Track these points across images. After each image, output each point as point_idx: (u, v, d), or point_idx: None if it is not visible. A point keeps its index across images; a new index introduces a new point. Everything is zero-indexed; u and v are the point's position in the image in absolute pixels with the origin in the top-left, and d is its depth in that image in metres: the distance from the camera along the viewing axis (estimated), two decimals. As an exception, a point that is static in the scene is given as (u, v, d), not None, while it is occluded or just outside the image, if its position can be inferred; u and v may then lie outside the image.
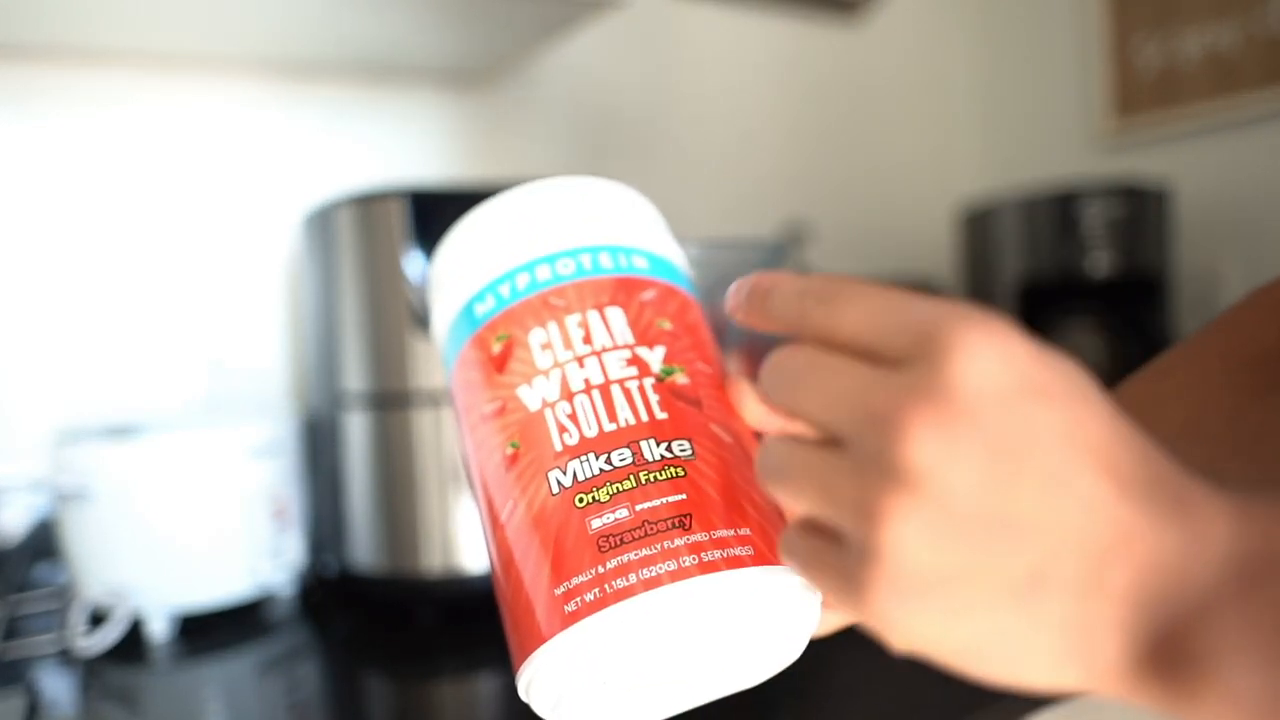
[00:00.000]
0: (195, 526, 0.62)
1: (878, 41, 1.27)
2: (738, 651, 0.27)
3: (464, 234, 0.34)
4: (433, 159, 0.91)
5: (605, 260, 0.31)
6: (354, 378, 0.66)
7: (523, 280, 0.31)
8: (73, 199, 0.75)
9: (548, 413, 0.28)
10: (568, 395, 0.28)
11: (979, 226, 1.06)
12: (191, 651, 0.60)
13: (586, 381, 0.28)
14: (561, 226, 0.32)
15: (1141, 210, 0.97)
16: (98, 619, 0.62)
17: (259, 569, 0.65)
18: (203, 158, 0.80)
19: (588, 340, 0.29)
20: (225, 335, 0.81)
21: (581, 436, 0.27)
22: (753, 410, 0.30)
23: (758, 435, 0.30)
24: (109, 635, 0.59)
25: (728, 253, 0.56)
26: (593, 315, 0.30)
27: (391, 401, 0.64)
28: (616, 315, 0.30)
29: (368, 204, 0.64)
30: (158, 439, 0.62)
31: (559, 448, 0.27)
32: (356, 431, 0.66)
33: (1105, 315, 0.99)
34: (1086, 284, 0.99)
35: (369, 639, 0.62)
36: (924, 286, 1.07)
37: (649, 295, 0.31)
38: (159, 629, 0.62)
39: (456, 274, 0.33)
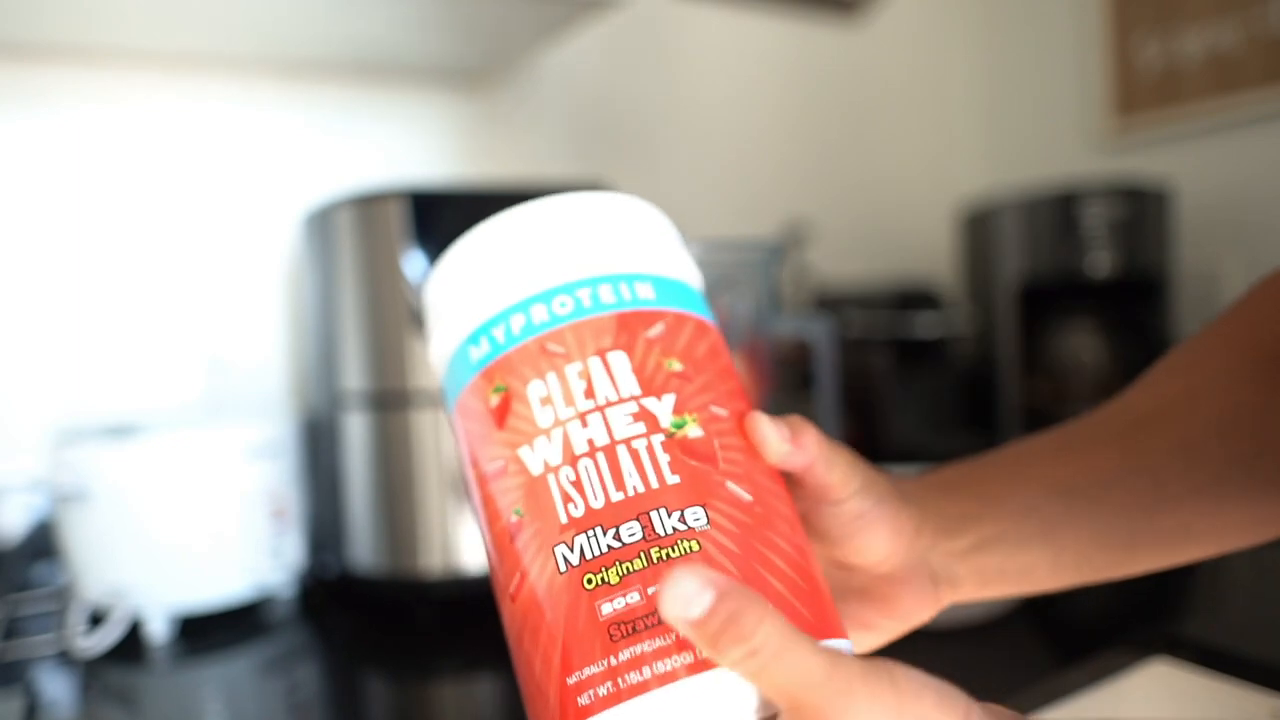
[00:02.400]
0: (195, 527, 0.62)
1: (878, 41, 1.27)
2: None
3: (455, 263, 0.31)
4: (433, 159, 0.91)
5: (606, 294, 0.29)
6: (354, 377, 0.66)
7: (518, 323, 0.29)
8: (72, 198, 0.75)
9: (551, 479, 0.26)
10: (571, 459, 0.26)
11: (979, 227, 1.06)
12: (191, 652, 0.60)
13: (590, 443, 0.26)
14: (559, 255, 0.30)
15: (1142, 210, 0.97)
16: (97, 619, 0.62)
17: (259, 569, 0.65)
18: (203, 157, 0.80)
19: (590, 394, 0.27)
20: (225, 335, 0.81)
21: (588, 507, 0.26)
22: (775, 448, 0.28)
23: (785, 474, 0.29)
24: (108, 636, 0.59)
25: (728, 253, 0.55)
26: (594, 363, 0.28)
27: (391, 401, 0.64)
28: (620, 362, 0.28)
29: (368, 204, 0.64)
30: (157, 439, 0.62)
31: (564, 520, 0.26)
32: (356, 431, 0.66)
33: (1106, 315, 0.99)
34: (1087, 284, 0.99)
35: (369, 640, 0.61)
36: (925, 288, 1.07)
37: (656, 331, 0.29)
38: (158, 629, 0.62)
39: (450, 308, 0.31)
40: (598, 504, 0.26)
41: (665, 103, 1.08)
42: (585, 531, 0.25)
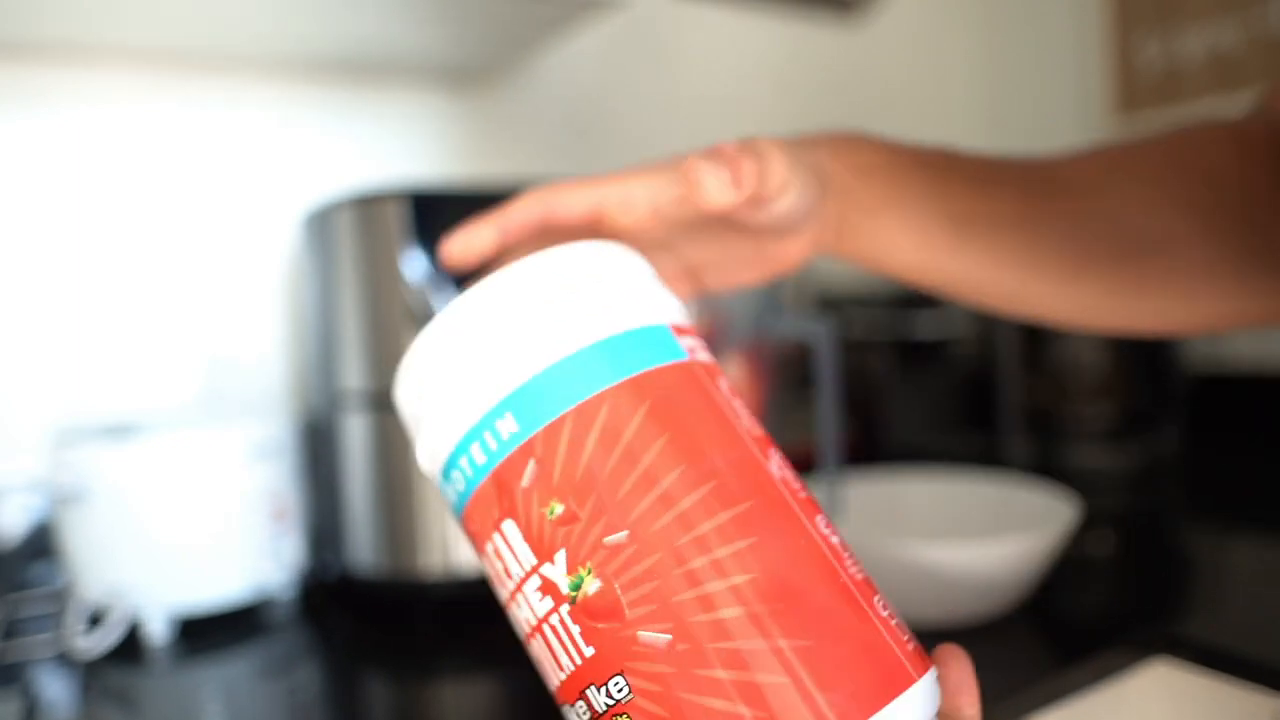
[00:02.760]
0: (194, 527, 0.62)
1: (878, 41, 1.27)
2: None
3: (404, 393, 0.30)
4: (433, 159, 0.91)
5: (478, 455, 0.27)
6: (354, 378, 0.65)
7: (456, 483, 0.28)
8: (71, 198, 0.75)
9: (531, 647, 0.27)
10: (526, 640, 0.26)
11: (980, 227, 1.06)
12: (190, 653, 0.60)
13: (527, 623, 0.26)
14: (438, 426, 0.28)
15: (1143, 210, 0.97)
16: (96, 620, 0.62)
17: (259, 570, 0.65)
18: (202, 157, 0.80)
19: (508, 574, 0.26)
20: (225, 335, 0.81)
21: (554, 686, 0.25)
22: (717, 201, 0.31)
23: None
24: (107, 637, 0.58)
25: (728, 253, 0.55)
26: (497, 540, 0.26)
27: (391, 401, 0.64)
28: (512, 531, 0.26)
29: (368, 204, 0.64)
30: (156, 439, 0.62)
31: (552, 691, 0.26)
32: (356, 432, 0.66)
33: (1106, 315, 0.99)
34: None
35: (369, 641, 0.61)
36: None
37: (529, 476, 0.25)
38: (158, 630, 0.62)
39: (415, 434, 0.30)
40: (555, 684, 0.25)
41: (665, 102, 1.08)
42: (563, 705, 0.26)
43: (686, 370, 0.27)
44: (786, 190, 0.34)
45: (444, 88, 0.92)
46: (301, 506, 0.71)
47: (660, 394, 0.26)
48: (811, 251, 0.39)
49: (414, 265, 0.63)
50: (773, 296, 0.61)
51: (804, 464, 0.86)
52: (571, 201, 0.36)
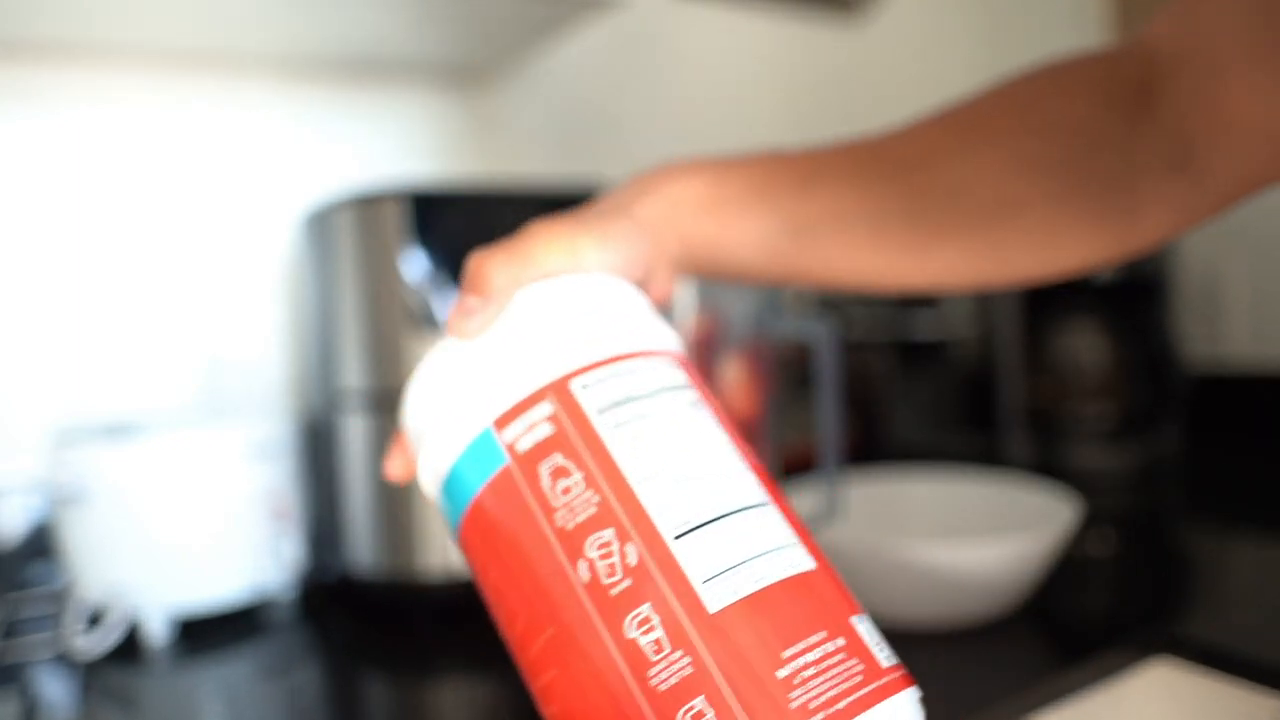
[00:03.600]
0: (194, 527, 0.62)
1: (877, 41, 1.27)
2: None
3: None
4: (433, 159, 0.91)
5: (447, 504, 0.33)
6: (353, 378, 0.65)
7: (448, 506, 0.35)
8: (70, 198, 0.75)
9: None
10: None
11: (980, 227, 1.06)
12: (190, 653, 0.60)
13: None
14: (436, 453, 0.33)
15: (1143, 210, 0.97)
16: (96, 620, 0.62)
17: (258, 570, 0.65)
18: (202, 157, 0.80)
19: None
20: (224, 335, 0.81)
21: None
22: None
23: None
24: (107, 637, 0.58)
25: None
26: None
27: (391, 402, 0.64)
28: None
29: (367, 204, 0.64)
30: (156, 439, 0.62)
31: None
32: (356, 432, 0.66)
33: (1106, 316, 0.99)
34: (1087, 286, 0.99)
35: (368, 641, 0.61)
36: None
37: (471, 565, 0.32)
38: (157, 631, 0.61)
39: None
40: None
41: (664, 102, 1.08)
42: None
43: (505, 478, 0.30)
44: (507, 284, 0.35)
45: (444, 88, 0.92)
46: (301, 506, 0.71)
47: (487, 519, 0.31)
48: (675, 281, 0.42)
49: (414, 265, 0.63)
50: (773, 296, 0.61)
51: (804, 464, 0.86)
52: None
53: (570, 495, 0.29)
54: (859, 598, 0.54)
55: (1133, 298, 1.01)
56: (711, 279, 0.43)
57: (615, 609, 0.27)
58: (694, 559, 0.27)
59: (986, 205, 0.39)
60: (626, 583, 0.27)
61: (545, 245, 0.35)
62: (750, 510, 0.28)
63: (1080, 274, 0.43)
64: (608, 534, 0.28)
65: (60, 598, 0.67)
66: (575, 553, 0.28)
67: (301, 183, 0.84)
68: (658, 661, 0.26)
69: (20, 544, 0.69)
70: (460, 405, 0.32)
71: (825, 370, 0.54)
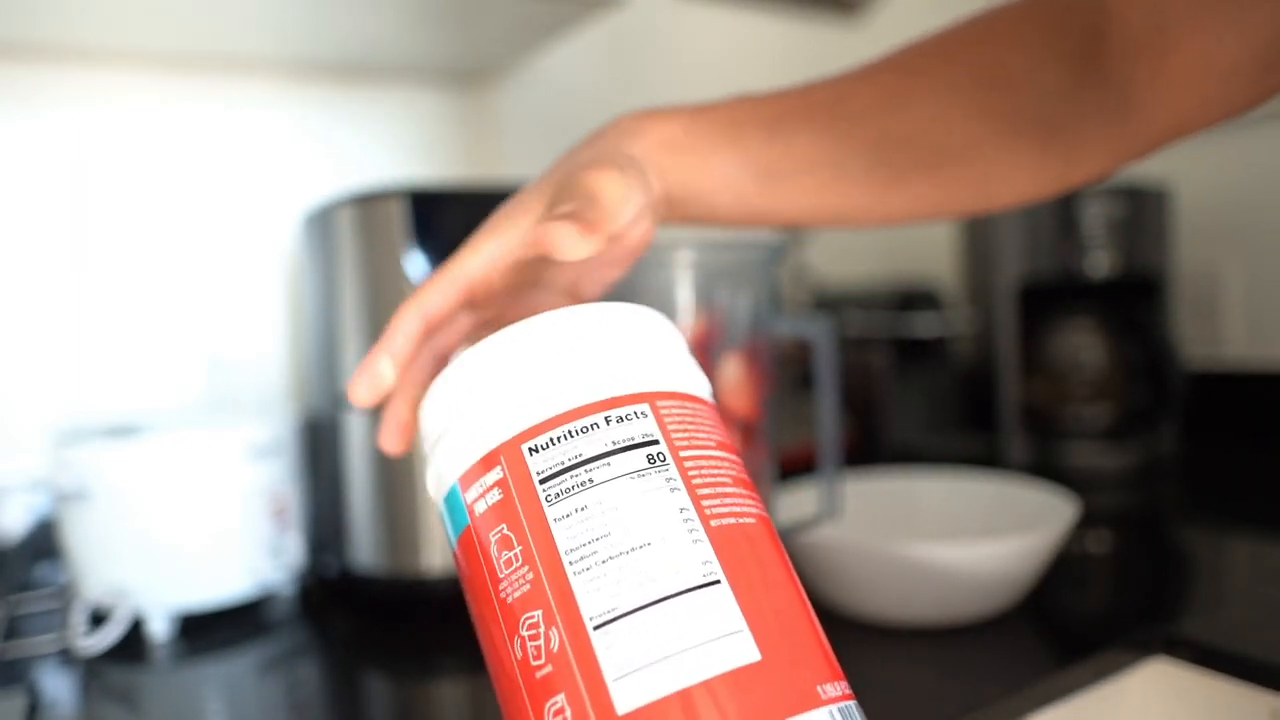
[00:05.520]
0: (195, 526, 0.62)
1: (878, 41, 1.27)
2: None
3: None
4: (433, 159, 0.91)
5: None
6: (354, 378, 0.66)
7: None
8: (72, 198, 0.75)
9: None
10: None
11: (979, 227, 1.06)
12: (192, 651, 0.60)
13: None
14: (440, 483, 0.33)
15: (1141, 210, 0.97)
16: (98, 619, 0.62)
17: (259, 569, 0.65)
18: (202, 157, 0.80)
19: None
20: (225, 335, 0.81)
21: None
22: (573, 254, 0.33)
23: None
24: (109, 635, 0.59)
25: (727, 252, 0.55)
26: None
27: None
28: None
29: (368, 204, 0.64)
30: (158, 439, 0.62)
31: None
32: (357, 431, 0.66)
33: (1105, 315, 0.99)
34: (1086, 284, 0.99)
35: (369, 639, 0.62)
36: (925, 288, 1.08)
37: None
38: (159, 629, 0.62)
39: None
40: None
41: (664, 102, 1.08)
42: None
43: (469, 538, 0.30)
44: (630, 209, 0.37)
45: (444, 88, 0.92)
46: (302, 506, 0.71)
47: (461, 568, 0.31)
48: (654, 228, 0.43)
49: (414, 265, 0.63)
50: (773, 296, 0.62)
51: (803, 464, 0.86)
52: (440, 299, 0.38)
53: (511, 569, 0.28)
54: (859, 598, 0.54)
55: (1130, 297, 1.01)
56: (683, 222, 0.45)
57: (538, 692, 0.26)
58: (611, 652, 0.25)
59: (939, 150, 0.42)
60: (548, 668, 0.26)
61: (622, 190, 0.36)
62: (688, 594, 0.26)
63: (1014, 208, 0.48)
64: (536, 615, 0.27)
65: (62, 596, 0.67)
66: (512, 629, 0.27)
67: (302, 183, 0.84)
68: None
69: (22, 543, 0.69)
70: (443, 448, 0.31)
71: (824, 370, 0.54)
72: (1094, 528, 0.74)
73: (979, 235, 1.06)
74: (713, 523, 0.28)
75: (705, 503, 0.28)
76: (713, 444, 0.30)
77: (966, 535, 0.65)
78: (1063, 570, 0.64)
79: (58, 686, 0.55)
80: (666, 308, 0.55)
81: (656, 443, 0.29)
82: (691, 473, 0.29)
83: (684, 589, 0.26)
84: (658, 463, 0.28)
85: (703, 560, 0.27)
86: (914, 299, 1.04)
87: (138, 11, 0.66)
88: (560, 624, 0.26)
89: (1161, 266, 1.00)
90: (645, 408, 0.30)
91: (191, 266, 0.80)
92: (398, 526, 0.64)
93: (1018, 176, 0.42)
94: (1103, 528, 0.74)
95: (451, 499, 0.31)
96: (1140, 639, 0.52)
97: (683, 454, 0.29)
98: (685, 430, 0.30)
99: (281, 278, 0.83)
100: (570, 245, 0.32)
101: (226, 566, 0.64)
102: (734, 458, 0.31)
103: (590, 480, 0.28)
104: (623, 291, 0.55)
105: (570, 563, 0.27)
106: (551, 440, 0.29)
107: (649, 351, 0.31)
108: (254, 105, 0.82)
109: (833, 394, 0.54)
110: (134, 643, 0.61)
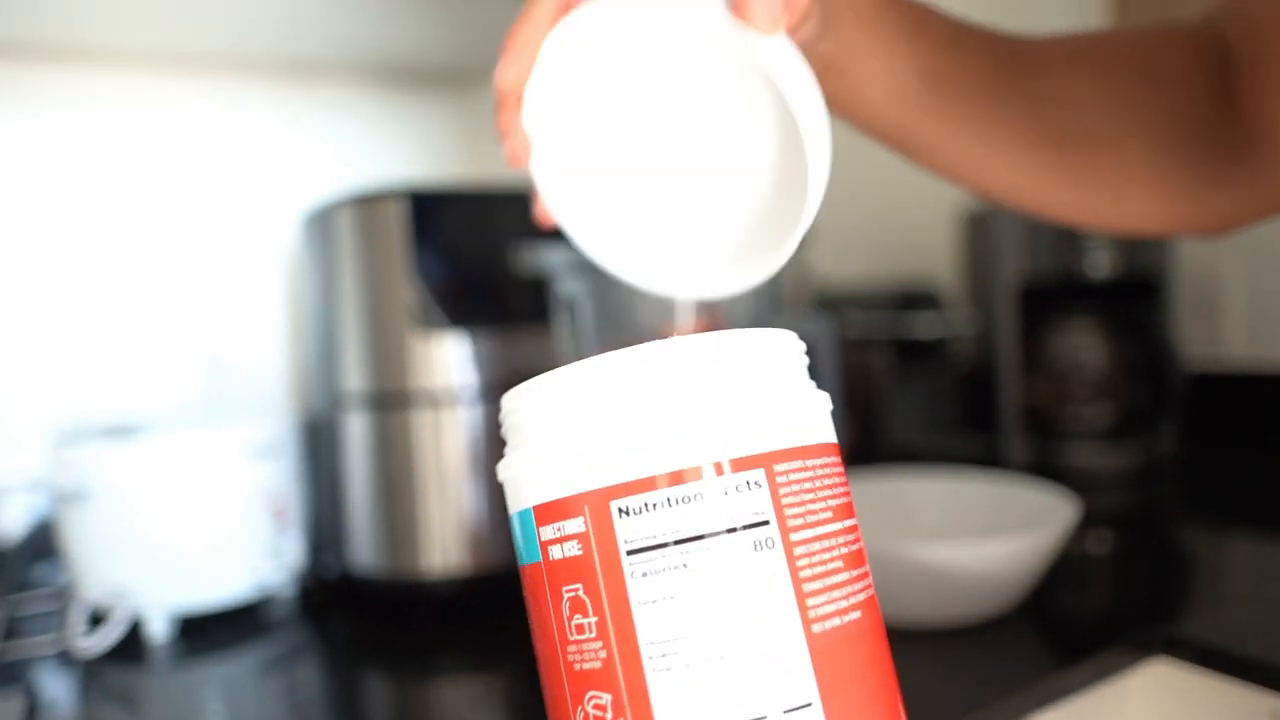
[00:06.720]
0: (195, 527, 0.62)
1: (878, 41, 1.27)
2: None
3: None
4: (432, 159, 0.91)
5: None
6: (354, 378, 0.66)
7: None
8: (72, 198, 0.75)
9: None
10: None
11: (980, 227, 1.06)
12: (191, 652, 0.60)
13: None
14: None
15: (1142, 211, 0.97)
16: (97, 619, 0.62)
17: (259, 569, 0.65)
18: (202, 157, 0.80)
19: None
20: (225, 335, 0.81)
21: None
22: (771, 25, 0.30)
23: None
24: (109, 636, 0.59)
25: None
26: None
27: (391, 401, 0.64)
28: None
29: (368, 204, 0.64)
30: (157, 439, 0.62)
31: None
32: (356, 432, 0.66)
33: (1105, 316, 0.99)
34: (1087, 284, 0.99)
35: (369, 640, 0.61)
36: (925, 288, 1.08)
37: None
38: (159, 629, 0.62)
39: None
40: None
41: (665, 103, 1.08)
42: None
43: (538, 576, 0.27)
44: (809, 19, 0.35)
45: (443, 88, 0.92)
46: (301, 506, 0.71)
47: (527, 597, 0.29)
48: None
49: (414, 265, 0.63)
50: (773, 296, 0.61)
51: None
52: None
53: (583, 637, 0.26)
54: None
55: (1131, 298, 1.01)
56: (833, 109, 0.42)
57: (577, 683, 0.25)
58: None
59: (1088, 129, 0.41)
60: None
61: None
62: (783, 716, 0.24)
63: (1138, 234, 0.46)
64: (605, 699, 0.25)
65: (62, 597, 0.67)
66: (577, 697, 0.26)
67: (302, 183, 0.84)
68: None
69: (22, 543, 0.69)
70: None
71: (825, 370, 0.54)
72: (1094, 528, 0.74)
73: (979, 235, 1.06)
74: (814, 628, 0.25)
75: (811, 601, 0.25)
76: (829, 514, 0.27)
77: (967, 535, 0.65)
78: (1063, 571, 0.64)
79: (56, 687, 0.55)
80: (666, 307, 0.55)
81: (767, 524, 0.25)
82: (800, 561, 0.25)
83: (771, 714, 0.24)
84: (764, 549, 0.25)
85: (797, 678, 0.24)
86: (914, 299, 1.04)
87: (138, 11, 0.66)
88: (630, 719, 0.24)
89: (1162, 266, 0.99)
90: (760, 475, 0.26)
91: (191, 267, 0.80)
92: (397, 527, 0.64)
93: (1152, 192, 0.42)
94: (1103, 528, 0.74)
95: (524, 522, 0.28)
96: (1141, 639, 0.52)
97: (794, 537, 0.26)
98: (801, 502, 0.26)
99: (281, 278, 0.83)
100: (761, 13, 0.30)
101: (226, 567, 0.64)
102: (849, 523, 0.28)
103: (685, 565, 0.25)
104: (622, 290, 0.54)
105: (650, 657, 0.24)
106: (647, 505, 0.25)
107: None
108: (254, 105, 0.82)
109: (833, 394, 0.54)
110: (133, 644, 0.61)
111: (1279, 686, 0.47)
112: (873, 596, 0.27)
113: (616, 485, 0.25)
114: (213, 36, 0.74)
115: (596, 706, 0.25)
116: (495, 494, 0.64)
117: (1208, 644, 0.50)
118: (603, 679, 0.25)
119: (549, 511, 0.27)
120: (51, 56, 0.74)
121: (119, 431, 0.66)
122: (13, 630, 0.63)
